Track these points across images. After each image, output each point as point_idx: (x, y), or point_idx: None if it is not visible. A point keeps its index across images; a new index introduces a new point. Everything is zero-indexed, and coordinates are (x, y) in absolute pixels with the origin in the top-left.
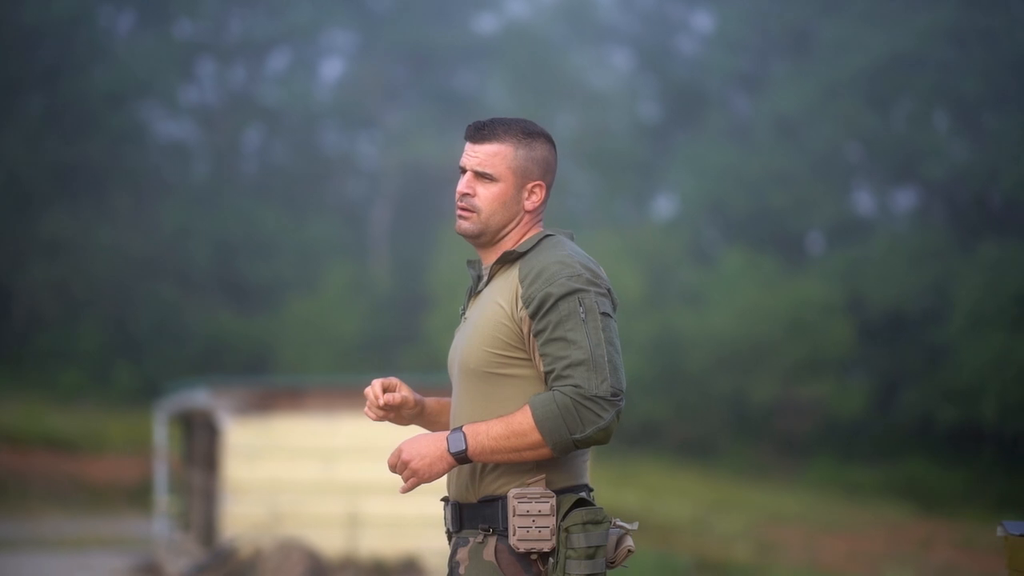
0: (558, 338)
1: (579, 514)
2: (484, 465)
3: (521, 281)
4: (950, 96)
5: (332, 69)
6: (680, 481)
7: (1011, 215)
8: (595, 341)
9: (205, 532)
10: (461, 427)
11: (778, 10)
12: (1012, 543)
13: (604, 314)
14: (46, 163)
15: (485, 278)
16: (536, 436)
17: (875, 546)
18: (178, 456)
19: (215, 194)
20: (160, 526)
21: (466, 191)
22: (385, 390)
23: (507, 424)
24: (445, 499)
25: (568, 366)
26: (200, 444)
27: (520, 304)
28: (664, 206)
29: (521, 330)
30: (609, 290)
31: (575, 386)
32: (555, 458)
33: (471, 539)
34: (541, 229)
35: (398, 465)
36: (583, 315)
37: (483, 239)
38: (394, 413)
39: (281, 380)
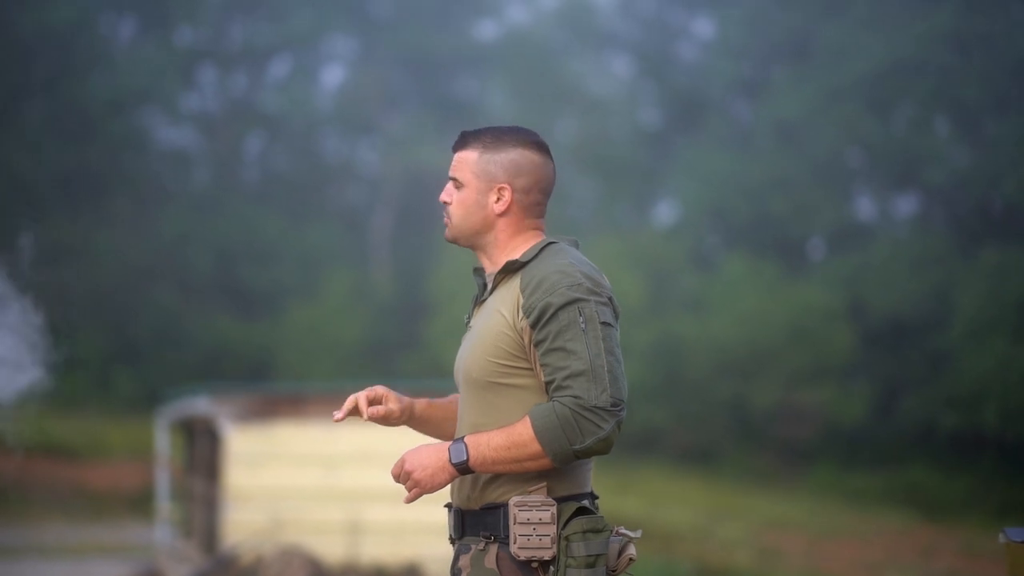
0: (558, 348)
1: (579, 523)
2: (486, 473)
3: (522, 291)
4: (951, 101)
5: (333, 76)
6: (681, 488)
7: (1013, 221)
8: (595, 351)
9: (206, 539)
10: (463, 438)
11: (778, 16)
12: (1014, 550)
13: (604, 323)
14: (47, 170)
15: (489, 287)
16: (536, 447)
17: (877, 553)
18: (179, 463)
19: (216, 201)
20: (161, 533)
21: (444, 198)
22: (371, 402)
23: (508, 435)
24: (448, 505)
25: (568, 376)
26: (201, 451)
27: (521, 314)
28: (665, 212)
29: (522, 340)
30: (610, 299)
31: (575, 397)
32: (557, 467)
33: (473, 546)
34: (542, 236)
35: (401, 475)
36: (583, 325)
37: (461, 243)
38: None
39: (282, 387)
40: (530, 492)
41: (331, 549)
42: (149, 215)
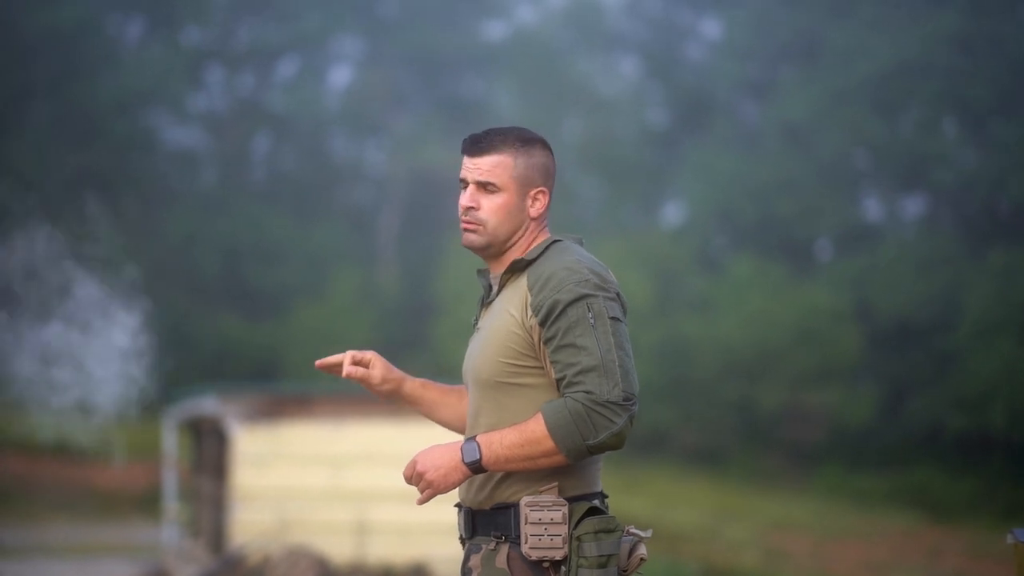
0: (568, 344)
1: (591, 523)
2: (497, 472)
3: (530, 289)
4: (958, 103)
5: (340, 76)
6: (688, 488)
7: (1020, 222)
8: (605, 346)
9: (214, 539)
10: (475, 437)
11: (786, 17)
12: (1021, 551)
13: (613, 318)
14: (53, 170)
15: (495, 288)
16: (549, 443)
17: (883, 554)
18: (187, 463)
19: (223, 201)
20: (169, 533)
21: (470, 204)
22: (358, 363)
23: (520, 432)
24: (459, 505)
25: (579, 372)
26: (209, 451)
27: (530, 312)
28: (672, 213)
29: (532, 338)
30: (618, 294)
31: (587, 392)
32: (568, 466)
33: (484, 546)
34: (548, 235)
35: (413, 477)
36: (592, 320)
37: (491, 250)
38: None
39: (289, 387)
40: (541, 492)
41: (338, 549)
42: (156, 215)
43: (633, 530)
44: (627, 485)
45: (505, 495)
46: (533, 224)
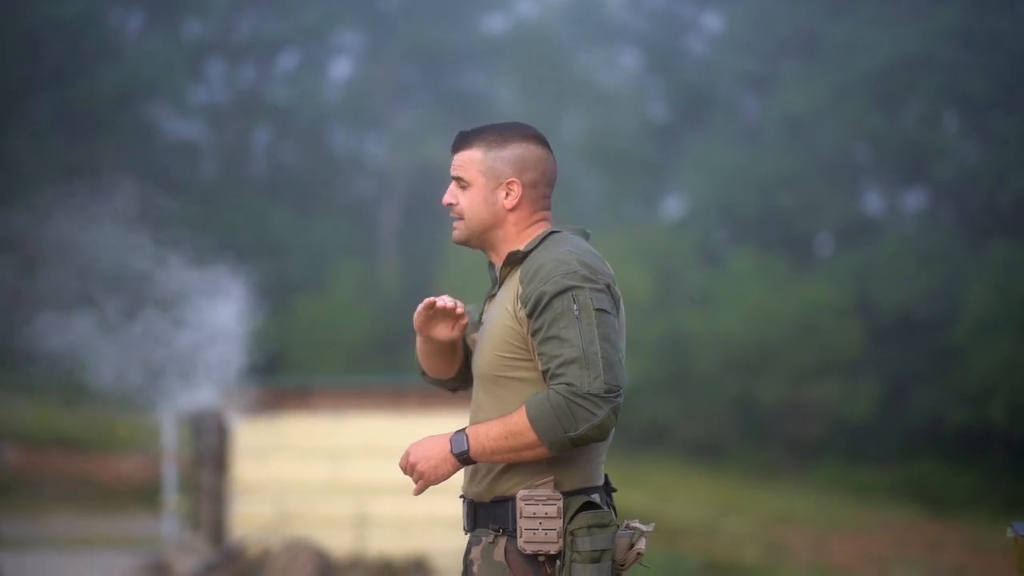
0: (552, 336)
1: (585, 517)
2: (497, 465)
3: (521, 281)
4: (959, 97)
5: (341, 69)
6: (688, 482)
7: (1020, 216)
8: (588, 338)
9: (214, 532)
10: (464, 429)
11: (787, 11)
12: (1022, 544)
13: (599, 310)
14: (55, 163)
15: (497, 281)
16: (532, 436)
17: (884, 548)
18: (187, 456)
19: (224, 194)
20: (169, 526)
21: (449, 200)
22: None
23: (504, 424)
24: (463, 497)
25: (561, 364)
26: (209, 444)
27: (519, 304)
28: (672, 207)
29: (523, 330)
30: (608, 286)
31: (568, 384)
32: (565, 459)
33: (483, 538)
34: (548, 226)
35: (407, 468)
36: (577, 312)
37: (472, 244)
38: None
39: (290, 380)
40: (537, 486)
41: (338, 542)
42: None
43: (634, 524)
44: (627, 479)
45: (503, 488)
46: (513, 216)
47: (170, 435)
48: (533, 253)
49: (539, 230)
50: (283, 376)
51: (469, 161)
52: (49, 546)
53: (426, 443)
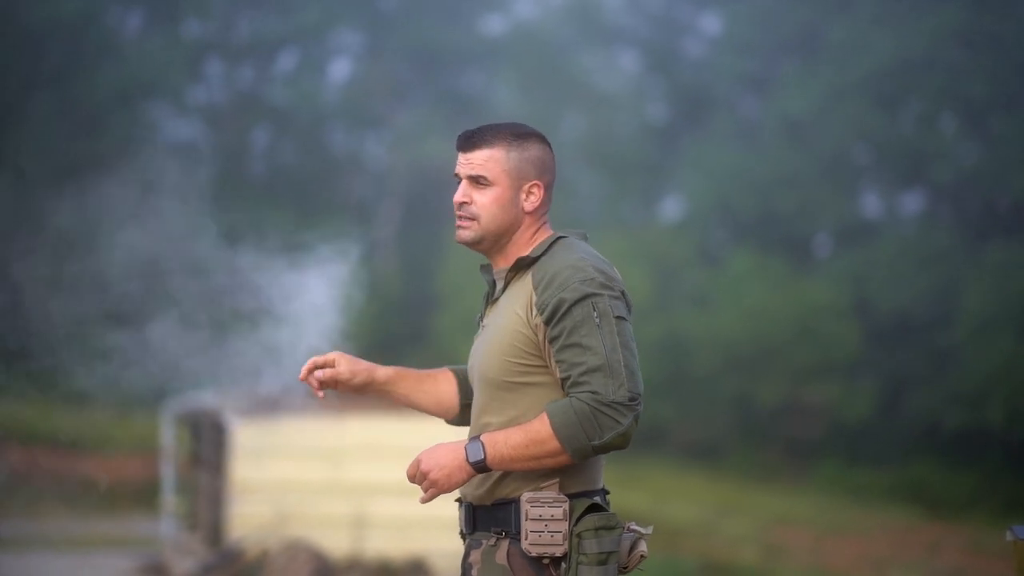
0: (573, 344)
1: (592, 519)
2: None
3: (535, 287)
4: (959, 99)
5: (340, 69)
6: (686, 484)
7: (1020, 218)
8: (610, 346)
9: (212, 533)
10: (479, 436)
11: (786, 12)
12: (1021, 548)
13: (619, 318)
14: (54, 162)
15: (500, 285)
16: (555, 444)
17: (882, 549)
18: (185, 456)
19: (222, 194)
20: (167, 526)
21: (463, 199)
22: (319, 367)
23: (525, 432)
24: (459, 500)
25: (584, 372)
26: (207, 445)
27: (535, 311)
28: (671, 208)
29: (537, 337)
30: (623, 292)
31: (592, 392)
32: (574, 463)
33: (484, 541)
34: (551, 231)
35: (417, 475)
36: (597, 320)
37: (484, 245)
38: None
39: (288, 380)
40: (542, 488)
41: (336, 543)
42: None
43: (634, 526)
44: (625, 480)
45: (506, 491)
46: (529, 219)
47: (168, 436)
48: (542, 259)
49: (544, 234)
50: (282, 376)
51: (492, 160)
52: (47, 547)
53: (439, 451)
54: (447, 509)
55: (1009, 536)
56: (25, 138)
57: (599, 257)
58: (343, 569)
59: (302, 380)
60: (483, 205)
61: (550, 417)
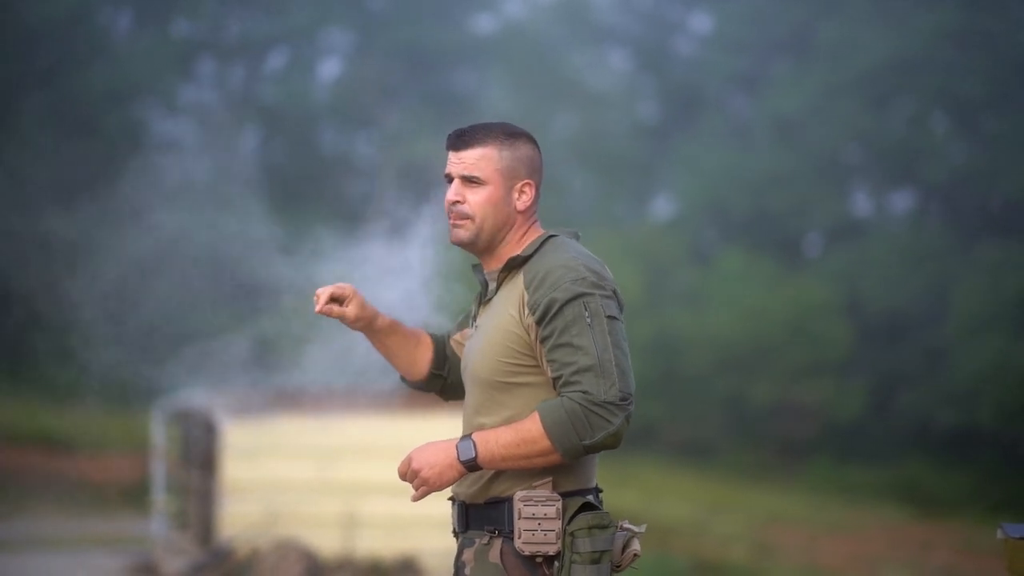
0: (564, 344)
1: (585, 518)
2: None
3: (527, 287)
4: (950, 98)
5: (330, 69)
6: (678, 482)
7: (1010, 217)
8: (602, 346)
9: (202, 532)
10: (470, 435)
11: (777, 11)
12: (1012, 545)
13: (610, 317)
14: (44, 162)
15: (493, 285)
16: (546, 443)
17: (874, 548)
18: (175, 455)
19: (212, 193)
20: (157, 526)
21: (455, 199)
22: (335, 299)
23: (516, 431)
24: (452, 499)
25: (576, 372)
26: (198, 444)
27: (527, 311)
28: (662, 207)
29: (530, 337)
30: (615, 291)
31: (584, 392)
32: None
33: (477, 540)
34: (542, 231)
35: (408, 474)
36: (589, 320)
37: (478, 245)
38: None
39: (279, 380)
40: (535, 487)
41: (327, 542)
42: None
43: (627, 525)
44: (617, 479)
45: (499, 489)
46: (520, 218)
47: (159, 435)
48: (534, 258)
49: (535, 234)
50: (272, 375)
51: (484, 159)
52: (36, 546)
53: (429, 449)
54: (438, 508)
55: (1000, 534)
56: (16, 138)
57: (590, 256)
58: (334, 568)
59: (319, 312)
60: (476, 204)
61: (541, 416)
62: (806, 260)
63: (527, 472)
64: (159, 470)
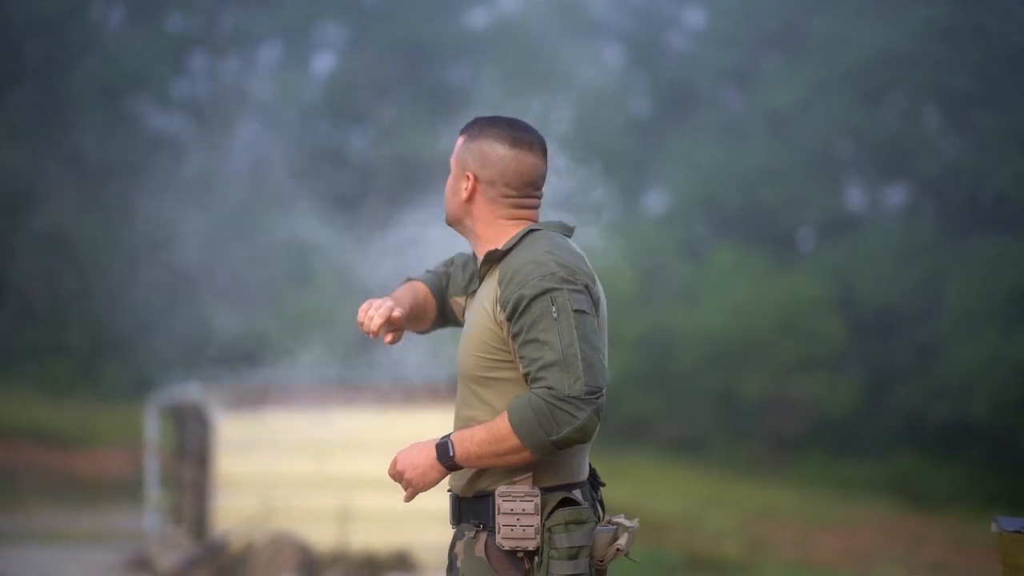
0: (532, 340)
1: (562, 514)
2: None
3: (499, 282)
4: (942, 93)
5: (324, 63)
6: (670, 477)
7: (1002, 212)
8: (567, 340)
9: (196, 526)
10: (450, 435)
11: (770, 6)
12: (1007, 539)
13: (578, 311)
14: (37, 156)
15: (478, 280)
16: (515, 440)
17: (867, 543)
18: (169, 450)
19: (205, 187)
20: (151, 520)
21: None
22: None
23: (488, 430)
24: (450, 491)
25: (541, 367)
26: (192, 438)
27: (499, 307)
28: (655, 202)
29: (503, 332)
30: (587, 286)
31: (548, 388)
32: (539, 459)
33: (466, 533)
34: (529, 224)
35: (395, 476)
36: (555, 315)
37: (456, 228)
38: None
39: (273, 374)
40: (515, 482)
41: (321, 536)
42: (139, 201)
43: (618, 519)
44: (609, 473)
45: (484, 484)
46: (474, 210)
47: (152, 429)
48: (512, 253)
49: (512, 228)
50: (266, 370)
51: (455, 147)
52: (31, 541)
53: (412, 450)
54: (432, 502)
55: (994, 527)
56: (6, 133)
57: (569, 249)
58: (328, 562)
59: (375, 335)
60: (446, 189)
61: (509, 414)
62: (799, 255)
63: (510, 467)
64: (153, 464)
